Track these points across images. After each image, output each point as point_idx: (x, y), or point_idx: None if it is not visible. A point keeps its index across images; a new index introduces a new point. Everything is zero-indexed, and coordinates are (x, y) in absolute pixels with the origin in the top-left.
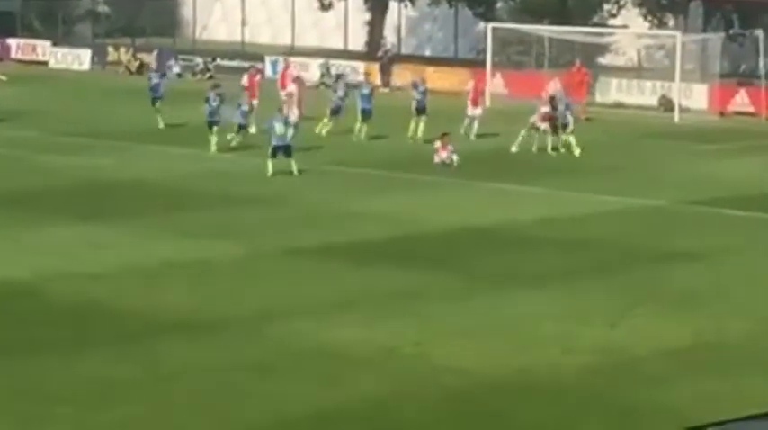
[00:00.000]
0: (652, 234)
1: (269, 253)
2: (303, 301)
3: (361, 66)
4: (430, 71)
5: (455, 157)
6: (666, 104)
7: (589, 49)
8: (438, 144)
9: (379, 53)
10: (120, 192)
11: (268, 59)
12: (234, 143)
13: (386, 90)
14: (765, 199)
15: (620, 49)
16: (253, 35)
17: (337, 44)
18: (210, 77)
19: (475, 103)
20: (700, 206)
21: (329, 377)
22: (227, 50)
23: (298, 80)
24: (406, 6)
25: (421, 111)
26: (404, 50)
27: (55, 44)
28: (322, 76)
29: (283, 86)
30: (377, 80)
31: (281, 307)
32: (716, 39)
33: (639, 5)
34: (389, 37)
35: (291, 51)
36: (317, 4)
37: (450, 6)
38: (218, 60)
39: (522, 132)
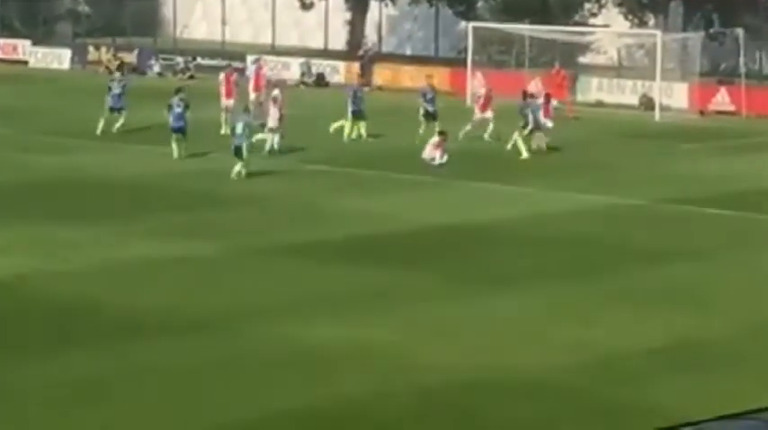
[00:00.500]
0: (633, 233)
1: (245, 252)
2: (279, 301)
3: (341, 65)
4: (410, 70)
5: (446, 157)
6: (647, 103)
7: (570, 49)
8: (436, 140)
9: (360, 52)
10: (97, 191)
11: (249, 58)
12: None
13: (366, 89)
14: (746, 197)
15: (601, 48)
16: (233, 34)
17: (318, 43)
18: (191, 77)
19: (484, 109)
20: (680, 205)
21: (305, 376)
22: (208, 49)
23: (281, 83)
24: (386, 5)
25: (430, 117)
26: (384, 49)
27: (35, 43)
28: (302, 75)
29: (257, 88)
30: (358, 79)
31: (257, 306)
32: (696, 38)
33: (620, 5)
34: (370, 36)
35: (272, 50)
36: (297, 4)
37: (431, 5)
38: (199, 59)
39: (515, 135)
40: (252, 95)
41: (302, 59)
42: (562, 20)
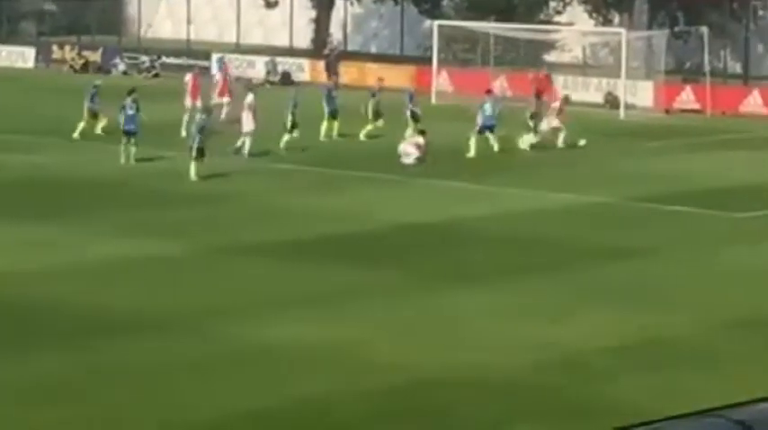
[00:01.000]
0: (598, 231)
1: (212, 252)
2: (245, 300)
3: (306, 63)
4: (375, 68)
5: (420, 156)
6: (612, 101)
7: (535, 47)
8: (420, 140)
9: (326, 51)
10: (62, 191)
11: (214, 57)
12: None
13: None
14: (711, 195)
15: (566, 46)
16: (198, 33)
17: (283, 41)
18: (156, 75)
19: (558, 118)
20: (645, 203)
21: (271, 375)
22: (173, 48)
23: (254, 88)
24: (351, 4)
25: (416, 118)
26: (350, 47)
27: None
28: (268, 73)
29: (223, 93)
30: (323, 78)
31: (223, 306)
32: (661, 36)
33: (585, 2)
34: (335, 34)
35: (237, 49)
36: (262, 2)
37: (396, 3)
38: (164, 58)
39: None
40: (216, 100)
41: (267, 58)
42: (527, 18)
